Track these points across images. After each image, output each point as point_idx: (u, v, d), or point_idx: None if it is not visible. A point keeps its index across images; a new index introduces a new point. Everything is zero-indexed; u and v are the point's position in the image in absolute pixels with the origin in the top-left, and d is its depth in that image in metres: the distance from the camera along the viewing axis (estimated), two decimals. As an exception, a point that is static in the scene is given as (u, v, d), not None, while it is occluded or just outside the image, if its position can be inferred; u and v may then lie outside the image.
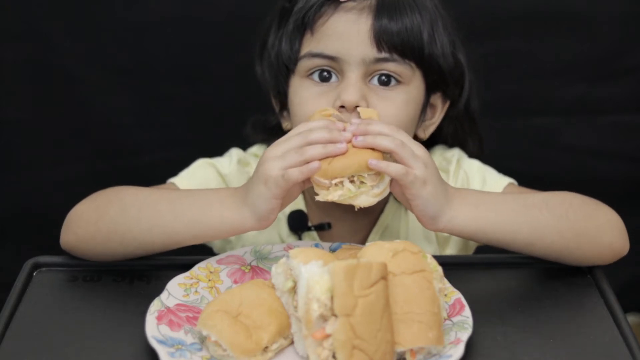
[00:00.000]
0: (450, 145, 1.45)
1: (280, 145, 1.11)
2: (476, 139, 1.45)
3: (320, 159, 1.09)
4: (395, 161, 1.11)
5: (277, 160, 1.09)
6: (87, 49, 1.78)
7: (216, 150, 1.48)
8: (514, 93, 1.83)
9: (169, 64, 1.80)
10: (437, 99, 1.36)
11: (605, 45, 1.80)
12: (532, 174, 1.51)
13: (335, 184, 1.10)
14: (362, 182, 1.11)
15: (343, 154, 1.10)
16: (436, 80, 1.31)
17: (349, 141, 1.11)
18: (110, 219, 1.18)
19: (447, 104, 1.37)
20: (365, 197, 1.11)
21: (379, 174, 1.11)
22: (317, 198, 1.11)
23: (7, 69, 1.79)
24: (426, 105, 1.33)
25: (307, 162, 1.09)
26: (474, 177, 1.39)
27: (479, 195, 1.19)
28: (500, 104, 1.78)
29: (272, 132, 1.43)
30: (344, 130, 1.12)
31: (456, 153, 1.43)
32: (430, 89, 1.32)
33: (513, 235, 1.17)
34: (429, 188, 1.11)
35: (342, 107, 1.23)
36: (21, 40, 1.76)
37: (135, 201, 1.19)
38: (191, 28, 1.78)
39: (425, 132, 1.37)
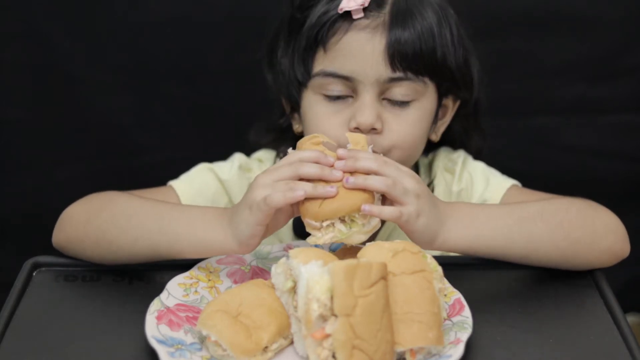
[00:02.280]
0: (456, 141, 1.45)
1: (271, 174, 1.12)
2: (480, 133, 1.46)
3: (310, 199, 1.10)
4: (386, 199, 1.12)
5: (265, 188, 1.10)
6: (87, 49, 1.78)
7: (216, 150, 1.47)
8: (514, 93, 1.82)
9: (169, 64, 1.80)
10: (448, 100, 1.36)
11: (605, 45, 1.80)
12: (532, 174, 1.51)
13: (327, 225, 1.10)
14: (352, 221, 1.11)
15: (333, 197, 1.10)
16: (449, 86, 1.32)
17: (339, 180, 1.10)
18: (99, 225, 1.20)
19: (458, 103, 1.38)
20: (357, 236, 1.11)
21: None
22: (309, 240, 1.12)
23: (7, 69, 1.79)
24: (438, 109, 1.34)
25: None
26: (478, 179, 1.40)
27: (472, 211, 1.19)
28: (500, 104, 1.77)
29: (282, 133, 1.42)
30: (333, 165, 1.12)
31: (462, 154, 1.44)
32: (442, 95, 1.33)
33: (507, 250, 1.18)
34: (422, 220, 1.11)
35: (357, 128, 1.24)
36: (21, 40, 1.76)
37: (126, 211, 1.20)
38: (191, 28, 1.77)
39: (437, 134, 1.38)
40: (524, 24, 1.78)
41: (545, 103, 1.86)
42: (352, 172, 1.11)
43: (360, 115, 1.23)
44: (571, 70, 1.82)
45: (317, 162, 1.12)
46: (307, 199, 1.10)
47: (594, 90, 1.83)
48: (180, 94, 1.82)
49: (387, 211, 1.10)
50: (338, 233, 1.10)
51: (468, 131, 1.45)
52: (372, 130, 1.24)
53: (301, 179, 1.11)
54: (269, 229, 1.13)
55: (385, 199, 1.14)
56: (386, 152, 1.25)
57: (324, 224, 1.10)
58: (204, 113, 1.83)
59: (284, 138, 1.42)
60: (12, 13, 1.75)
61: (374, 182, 1.10)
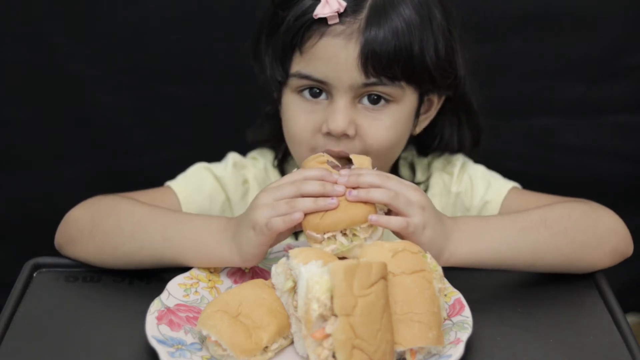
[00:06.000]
0: (437, 135, 1.43)
1: (272, 193, 1.12)
2: (472, 129, 1.43)
3: (311, 213, 1.10)
4: (390, 211, 1.12)
5: (267, 208, 1.11)
6: (87, 49, 1.77)
7: (216, 150, 1.47)
8: (514, 93, 1.82)
9: (169, 64, 1.80)
10: (433, 95, 1.34)
11: (605, 45, 1.80)
12: (532, 174, 1.51)
13: (328, 238, 1.11)
14: (354, 235, 1.11)
15: (334, 209, 1.10)
16: (429, 88, 1.30)
17: (342, 195, 1.11)
18: (104, 232, 1.20)
19: (443, 98, 1.36)
20: (358, 250, 1.11)
21: (371, 225, 1.12)
22: None
23: (7, 69, 1.79)
24: (420, 105, 1.32)
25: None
26: (478, 181, 1.40)
27: (477, 224, 1.19)
28: (500, 104, 1.78)
29: (280, 130, 1.42)
30: (336, 182, 1.12)
31: (461, 157, 1.44)
32: (424, 94, 1.31)
33: (514, 260, 1.18)
34: (428, 232, 1.12)
35: (328, 133, 1.24)
36: (21, 40, 1.76)
37: (131, 219, 1.20)
38: (191, 28, 1.77)
39: (420, 127, 1.36)
40: (523, 24, 1.78)
41: (545, 103, 1.85)
42: (355, 188, 1.12)
43: (332, 121, 1.23)
44: (571, 71, 1.82)
45: (321, 180, 1.12)
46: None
47: (594, 90, 1.83)
48: (180, 94, 1.82)
49: (394, 221, 1.11)
50: (339, 245, 1.10)
51: (444, 127, 1.41)
52: (345, 136, 1.24)
53: (303, 196, 1.11)
54: (273, 242, 1.14)
55: (390, 215, 1.14)
56: None
57: (326, 236, 1.10)
58: (204, 113, 1.83)
59: (282, 136, 1.42)
60: (12, 13, 1.75)
61: (376, 194, 1.11)
